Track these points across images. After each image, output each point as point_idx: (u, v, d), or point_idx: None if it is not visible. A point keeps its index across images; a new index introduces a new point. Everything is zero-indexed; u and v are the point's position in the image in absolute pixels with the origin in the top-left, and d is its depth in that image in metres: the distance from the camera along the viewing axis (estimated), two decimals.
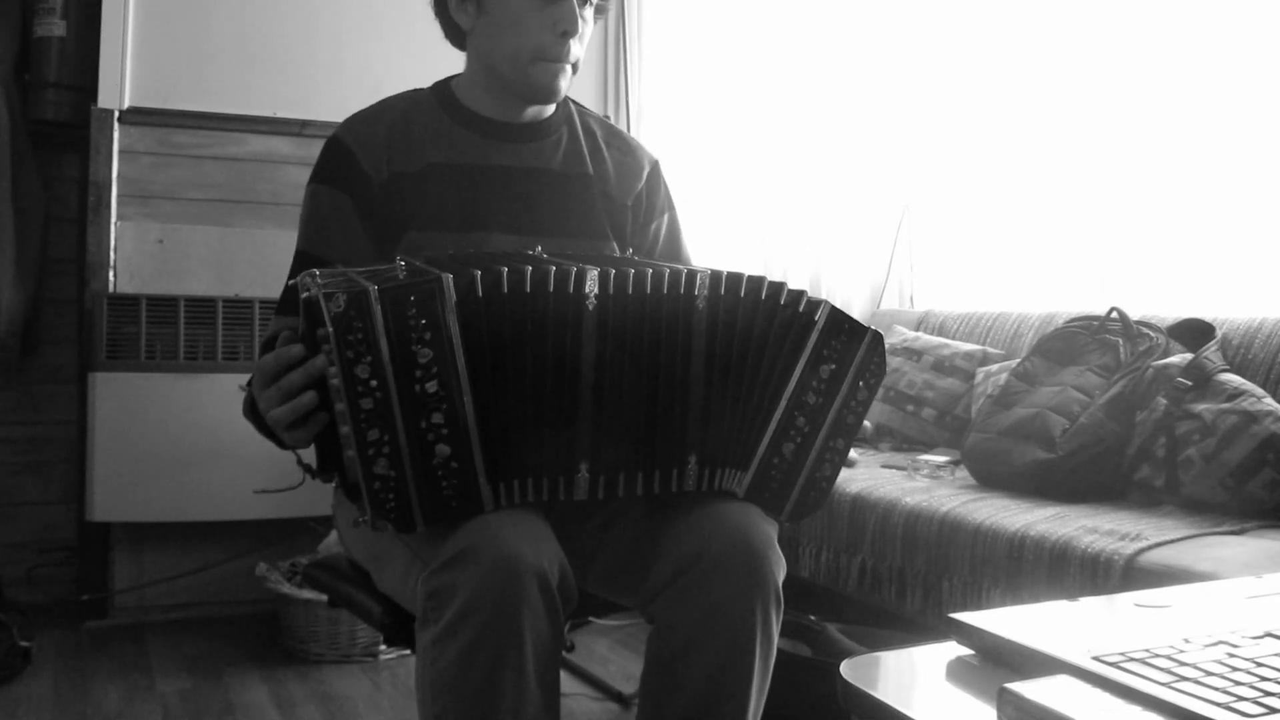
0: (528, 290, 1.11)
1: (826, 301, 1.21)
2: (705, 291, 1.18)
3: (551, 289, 1.13)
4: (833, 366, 1.20)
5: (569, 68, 1.40)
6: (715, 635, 1.19)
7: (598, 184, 1.49)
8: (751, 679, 1.21)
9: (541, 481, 1.16)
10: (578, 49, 1.40)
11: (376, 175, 1.39)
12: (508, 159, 1.44)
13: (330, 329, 1.04)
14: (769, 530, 1.24)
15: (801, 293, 1.21)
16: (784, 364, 1.20)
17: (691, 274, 1.19)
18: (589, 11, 1.40)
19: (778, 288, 1.21)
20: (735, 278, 1.20)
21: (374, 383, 1.05)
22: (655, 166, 1.57)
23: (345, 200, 1.39)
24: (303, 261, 1.39)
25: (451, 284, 1.07)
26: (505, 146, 1.45)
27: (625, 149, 1.54)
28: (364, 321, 1.03)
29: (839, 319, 1.20)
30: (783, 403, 1.20)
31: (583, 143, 1.51)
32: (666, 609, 1.23)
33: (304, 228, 1.42)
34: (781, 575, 1.23)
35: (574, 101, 1.54)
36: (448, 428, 1.08)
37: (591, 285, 1.14)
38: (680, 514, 1.24)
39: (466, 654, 1.09)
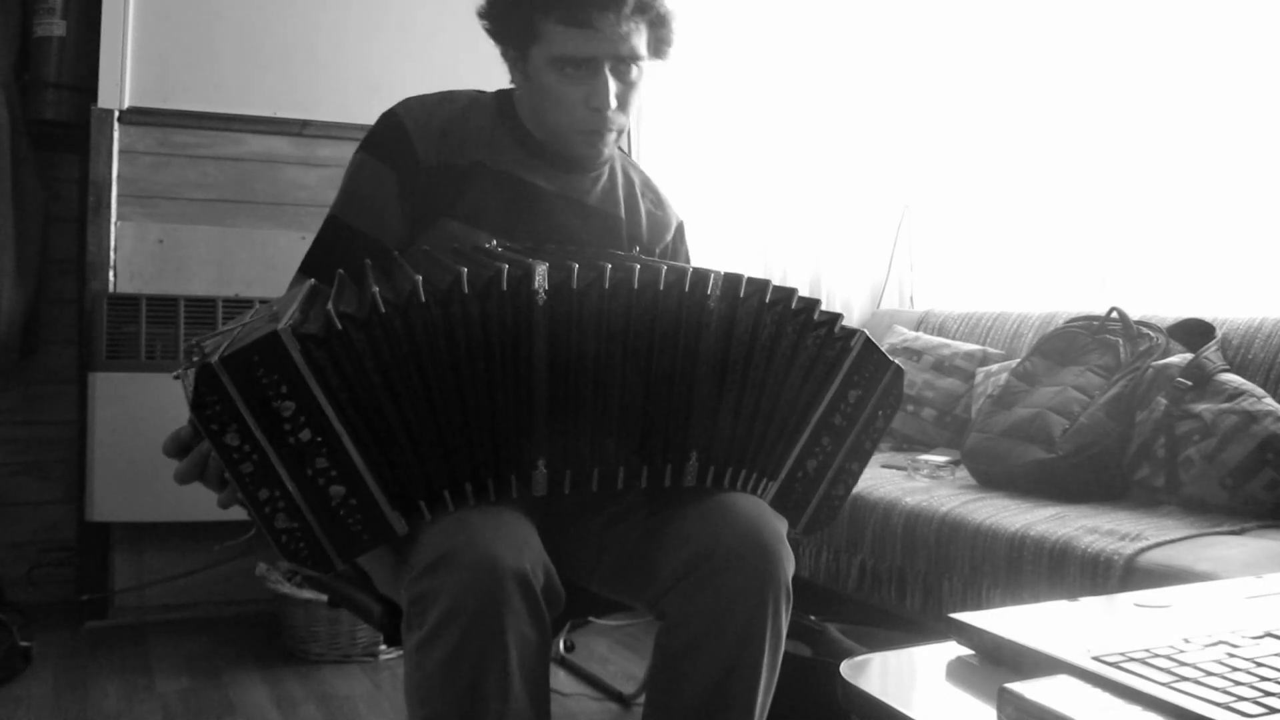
0: (422, 301, 1.09)
1: (862, 330, 1.25)
2: (718, 293, 1.18)
3: (467, 291, 1.10)
4: (859, 392, 1.25)
5: (610, 136, 1.41)
6: (726, 630, 1.19)
7: (628, 228, 1.52)
8: (760, 674, 1.21)
9: (486, 483, 1.15)
10: (619, 118, 1.40)
11: (426, 159, 1.41)
12: (546, 182, 1.46)
13: (190, 411, 1.04)
14: (779, 527, 1.24)
15: (837, 315, 1.24)
16: (816, 383, 1.24)
17: (704, 275, 1.18)
18: (633, 73, 1.38)
19: (809, 303, 1.22)
20: (758, 284, 1.20)
21: (246, 447, 1.04)
22: (681, 225, 1.61)
23: (390, 176, 1.41)
24: (333, 225, 1.43)
25: (291, 333, 1.04)
26: (546, 170, 1.46)
27: (658, 202, 1.58)
28: (217, 394, 1.02)
29: (871, 348, 1.25)
30: (813, 420, 1.24)
31: (620, 187, 1.53)
32: (677, 604, 1.22)
33: (342, 193, 1.44)
34: (791, 571, 1.24)
35: (619, 147, 1.55)
36: (335, 469, 1.07)
37: (541, 281, 1.12)
38: (690, 510, 1.24)
39: (450, 659, 1.09)
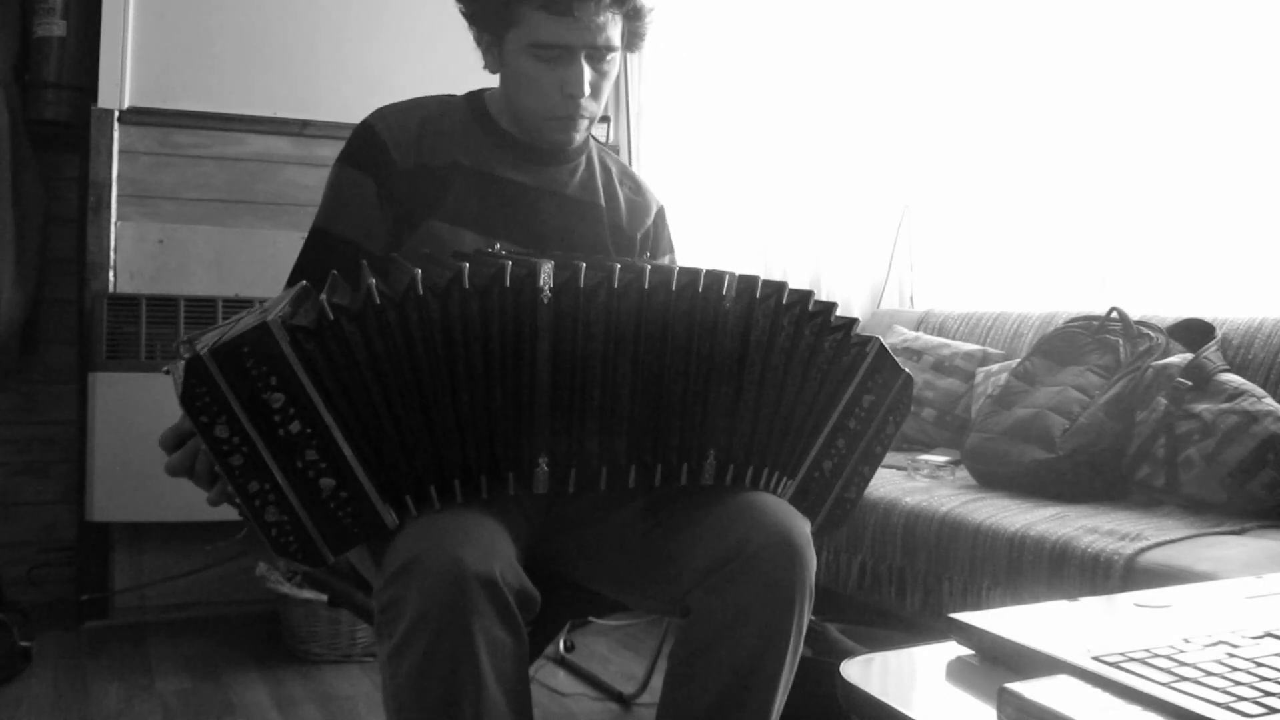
0: (420, 294, 1.09)
1: (877, 337, 1.28)
2: (733, 293, 1.19)
3: (468, 286, 1.10)
4: (873, 398, 1.29)
5: (583, 123, 1.44)
6: (751, 626, 1.19)
7: (609, 215, 1.54)
8: (783, 667, 1.21)
9: (479, 480, 1.14)
10: (592, 105, 1.42)
11: (403, 162, 1.42)
12: (524, 176, 1.48)
13: (179, 404, 1.04)
14: (805, 528, 1.25)
15: (853, 320, 1.27)
16: (833, 386, 1.26)
17: (718, 276, 1.19)
18: (607, 64, 1.41)
19: (827, 306, 1.24)
20: (775, 285, 1.21)
21: (236, 439, 1.04)
22: (662, 210, 1.62)
23: (369, 183, 1.42)
24: (318, 237, 1.44)
25: (281, 324, 1.04)
26: (524, 165, 1.48)
27: (636, 188, 1.60)
28: (206, 386, 1.02)
29: (885, 355, 1.29)
30: (830, 421, 1.27)
31: (598, 176, 1.55)
32: (703, 599, 1.22)
33: (324, 205, 1.46)
34: (814, 572, 1.24)
35: (595, 138, 1.58)
36: (325, 461, 1.07)
37: (546, 279, 1.12)
38: (717, 508, 1.24)
39: (422, 668, 1.08)
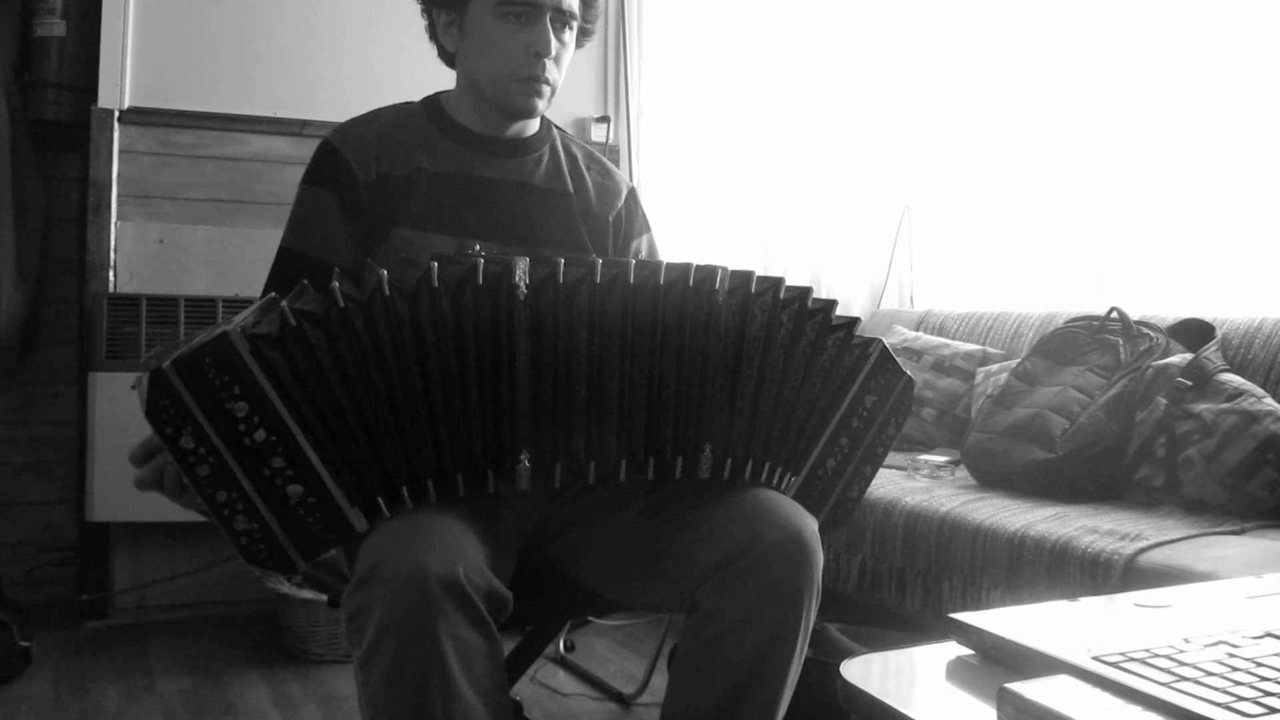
0: (386, 295, 1.09)
1: (879, 339, 1.29)
2: (726, 287, 1.18)
3: (438, 283, 1.10)
4: (875, 398, 1.30)
5: (546, 89, 1.46)
6: (763, 619, 1.19)
7: (578, 202, 1.54)
8: (790, 664, 1.21)
9: (455, 479, 1.14)
10: (554, 72, 1.46)
11: (364, 175, 1.44)
12: (489, 171, 1.49)
13: (144, 416, 1.04)
14: (814, 525, 1.26)
15: (855, 319, 1.27)
16: (836, 385, 1.27)
17: (709, 271, 1.19)
18: (568, 35, 1.46)
19: (826, 304, 1.25)
20: (770, 281, 1.21)
21: (202, 449, 1.04)
22: (633, 190, 1.64)
23: (330, 199, 1.44)
24: (284, 256, 1.46)
25: (241, 334, 1.04)
26: (488, 160, 1.50)
27: (604, 172, 1.61)
28: (170, 398, 1.02)
29: (887, 356, 1.29)
30: (834, 420, 1.28)
31: (563, 163, 1.56)
32: (713, 595, 1.22)
33: (289, 225, 1.48)
34: (821, 569, 1.25)
35: (558, 127, 1.61)
36: (292, 468, 1.07)
37: (521, 276, 1.12)
38: (728, 505, 1.25)
39: (391, 676, 1.08)
